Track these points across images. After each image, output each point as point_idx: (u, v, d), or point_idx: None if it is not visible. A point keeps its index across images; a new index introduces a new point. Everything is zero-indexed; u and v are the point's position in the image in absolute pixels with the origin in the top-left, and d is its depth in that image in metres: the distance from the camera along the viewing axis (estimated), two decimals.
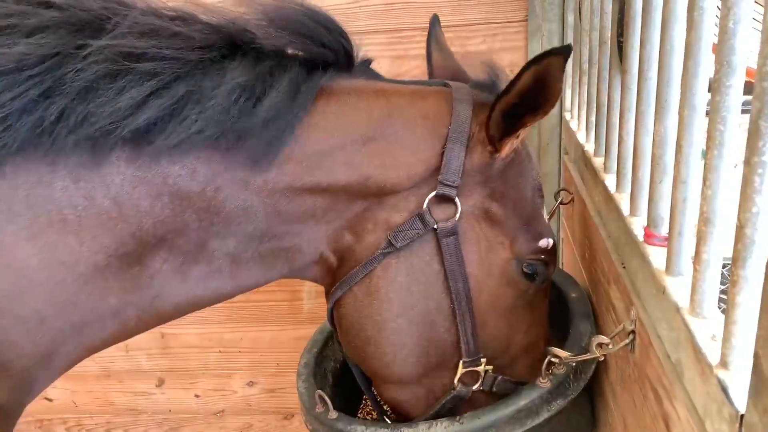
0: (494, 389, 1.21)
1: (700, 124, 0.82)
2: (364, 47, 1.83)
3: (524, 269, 1.15)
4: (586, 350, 1.19)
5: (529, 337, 1.23)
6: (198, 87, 0.95)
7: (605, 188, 1.27)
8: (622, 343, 1.05)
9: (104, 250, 0.95)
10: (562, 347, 1.20)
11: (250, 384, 2.42)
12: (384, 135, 1.07)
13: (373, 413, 1.73)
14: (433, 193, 1.07)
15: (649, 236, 1.00)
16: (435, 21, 1.42)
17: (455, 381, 1.19)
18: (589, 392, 1.35)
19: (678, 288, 0.87)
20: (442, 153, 1.07)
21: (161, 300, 1.06)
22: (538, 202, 1.19)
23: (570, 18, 1.83)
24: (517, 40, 1.91)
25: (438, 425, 1.17)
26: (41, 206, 0.90)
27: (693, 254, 0.85)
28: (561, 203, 1.66)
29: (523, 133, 1.08)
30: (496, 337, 1.18)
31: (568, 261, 1.86)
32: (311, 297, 2.25)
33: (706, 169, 0.74)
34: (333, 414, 1.28)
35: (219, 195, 1.00)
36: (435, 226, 1.08)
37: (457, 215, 1.08)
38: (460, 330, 1.13)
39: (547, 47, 1.89)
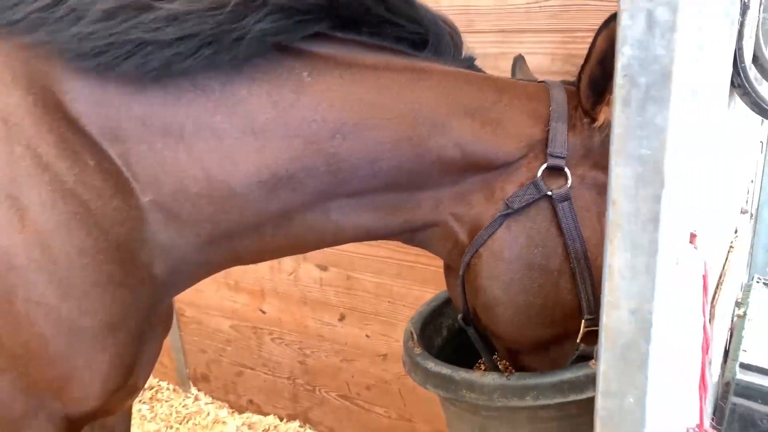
0: None
1: None
2: (541, 44, 1.95)
3: None
4: None
5: None
6: None
7: None
8: None
9: (268, 168, 1.15)
10: None
11: None
12: (495, 108, 1.20)
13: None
14: (545, 165, 1.18)
15: None
16: (517, 61, 1.56)
17: (578, 341, 1.27)
18: None
19: None
20: (547, 130, 1.19)
21: (293, 228, 1.26)
22: None
23: None
24: None
25: (489, 375, 1.32)
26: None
27: None
28: None
29: (610, 98, 1.09)
30: None
31: None
32: None
33: None
34: (417, 350, 1.49)
35: (344, 143, 1.16)
36: (549, 192, 1.18)
37: (568, 183, 1.18)
38: (581, 289, 1.19)
39: None
